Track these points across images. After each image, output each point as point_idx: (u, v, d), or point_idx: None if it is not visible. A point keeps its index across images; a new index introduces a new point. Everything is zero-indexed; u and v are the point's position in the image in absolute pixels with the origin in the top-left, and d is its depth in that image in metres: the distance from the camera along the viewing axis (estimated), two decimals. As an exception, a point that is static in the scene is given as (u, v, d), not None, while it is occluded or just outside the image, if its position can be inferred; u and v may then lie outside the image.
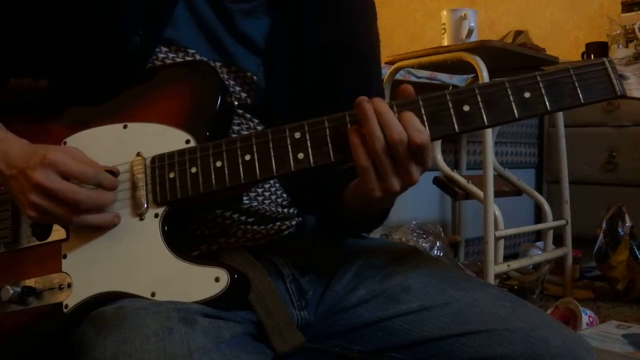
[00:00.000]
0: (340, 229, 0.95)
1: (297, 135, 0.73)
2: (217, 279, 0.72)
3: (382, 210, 0.91)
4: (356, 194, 0.81)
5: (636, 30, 2.85)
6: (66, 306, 0.77)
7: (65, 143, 0.82)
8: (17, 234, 0.83)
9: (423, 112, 0.71)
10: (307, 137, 0.73)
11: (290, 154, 0.73)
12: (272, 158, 0.74)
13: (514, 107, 0.70)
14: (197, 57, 0.85)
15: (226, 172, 0.75)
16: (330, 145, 0.73)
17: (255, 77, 0.88)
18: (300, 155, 0.73)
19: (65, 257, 0.79)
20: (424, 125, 0.71)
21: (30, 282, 0.80)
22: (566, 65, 0.70)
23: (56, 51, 0.85)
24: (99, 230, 0.78)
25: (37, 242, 0.81)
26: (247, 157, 0.74)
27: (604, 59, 0.70)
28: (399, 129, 0.69)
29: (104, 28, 0.83)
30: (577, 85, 0.69)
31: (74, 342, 0.74)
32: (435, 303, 0.82)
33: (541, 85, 0.70)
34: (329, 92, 0.91)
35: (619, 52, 0.72)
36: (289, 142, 0.74)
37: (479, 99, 0.71)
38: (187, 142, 0.78)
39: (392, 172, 0.71)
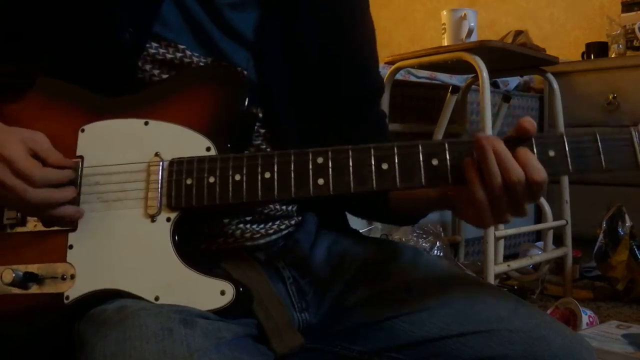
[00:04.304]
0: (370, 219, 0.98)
1: (320, 160, 0.73)
2: (222, 292, 0.72)
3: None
4: (445, 205, 0.80)
5: (636, 30, 2.85)
6: (67, 297, 0.76)
7: (83, 130, 0.81)
8: (24, 216, 0.82)
9: (536, 150, 0.70)
10: (330, 164, 0.72)
11: (311, 179, 0.73)
12: (292, 179, 0.73)
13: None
14: (187, 52, 0.85)
15: (244, 186, 0.74)
16: (352, 175, 0.72)
17: (245, 72, 0.87)
18: (321, 181, 0.72)
19: (71, 247, 0.78)
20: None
21: (32, 268, 0.79)
22: (593, 130, 0.71)
23: (53, 46, 0.86)
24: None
25: (44, 228, 0.80)
26: (267, 175, 0.74)
27: (632, 128, 0.70)
28: (517, 170, 0.68)
29: (95, 25, 0.83)
30: (601, 152, 0.70)
31: (75, 337, 0.73)
32: (436, 303, 0.82)
33: (567, 147, 0.70)
34: (326, 83, 0.91)
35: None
36: (310, 166, 0.73)
37: None
38: (208, 149, 0.77)
39: (507, 208, 0.71)
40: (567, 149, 0.70)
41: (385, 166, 0.71)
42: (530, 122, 0.70)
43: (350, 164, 0.72)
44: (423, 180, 0.71)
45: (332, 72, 0.92)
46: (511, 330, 0.78)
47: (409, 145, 0.72)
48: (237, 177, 0.74)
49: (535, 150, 0.70)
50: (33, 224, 0.81)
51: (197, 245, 0.84)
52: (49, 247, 0.79)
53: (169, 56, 0.84)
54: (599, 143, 0.70)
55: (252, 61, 0.88)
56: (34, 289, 0.78)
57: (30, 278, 0.78)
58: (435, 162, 0.71)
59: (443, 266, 0.90)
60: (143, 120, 0.80)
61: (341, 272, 0.89)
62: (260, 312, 0.79)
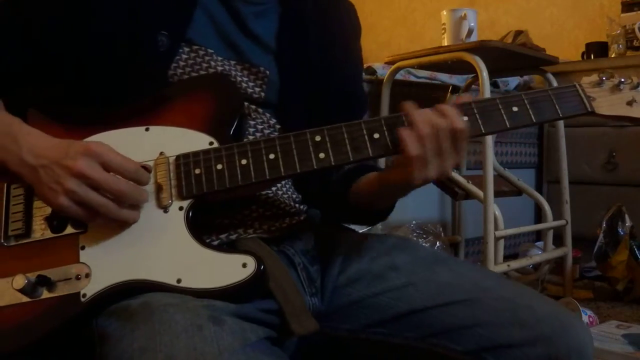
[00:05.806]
0: (346, 220, 1.04)
1: (318, 138, 0.80)
2: (244, 265, 0.75)
3: (390, 205, 0.98)
4: (384, 186, 0.87)
5: (636, 30, 2.85)
6: (84, 295, 0.75)
7: None
8: (29, 227, 0.81)
9: (501, 107, 0.84)
10: (327, 139, 0.80)
11: (312, 154, 0.80)
12: (295, 156, 0.80)
13: (505, 118, 0.83)
14: (214, 56, 0.90)
15: (251, 168, 0.79)
16: (349, 146, 0.80)
17: (268, 72, 0.94)
18: (322, 155, 0.80)
19: (83, 248, 0.78)
20: None
21: (44, 272, 0.77)
22: (545, 88, 0.86)
23: (83, 56, 0.87)
24: (124, 225, 0.78)
25: (53, 235, 0.80)
26: (272, 156, 0.79)
27: (575, 83, 0.87)
28: (441, 119, 0.80)
29: (131, 31, 0.86)
30: (555, 102, 0.84)
31: (94, 333, 0.73)
32: (422, 279, 0.85)
33: (526, 102, 0.84)
34: (324, 83, 0.99)
35: (584, 80, 0.88)
36: (310, 143, 0.80)
37: (475, 111, 0.83)
38: (211, 143, 0.81)
39: (437, 158, 0.79)
40: (526, 103, 0.83)
41: (376, 135, 0.81)
42: (466, 96, 0.85)
43: (346, 137, 0.81)
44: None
45: (328, 75, 1.01)
46: (496, 298, 0.81)
47: (393, 116, 0.83)
48: (244, 162, 0.79)
49: (500, 107, 0.83)
50: (40, 233, 0.81)
51: (218, 234, 0.86)
52: (60, 252, 0.79)
53: (198, 60, 0.89)
54: (552, 96, 0.85)
55: (274, 63, 0.94)
56: (46, 294, 0.76)
57: (43, 282, 0.76)
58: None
59: (432, 250, 0.93)
60: (144, 127, 0.83)
61: (334, 256, 0.93)
62: (280, 296, 0.81)
